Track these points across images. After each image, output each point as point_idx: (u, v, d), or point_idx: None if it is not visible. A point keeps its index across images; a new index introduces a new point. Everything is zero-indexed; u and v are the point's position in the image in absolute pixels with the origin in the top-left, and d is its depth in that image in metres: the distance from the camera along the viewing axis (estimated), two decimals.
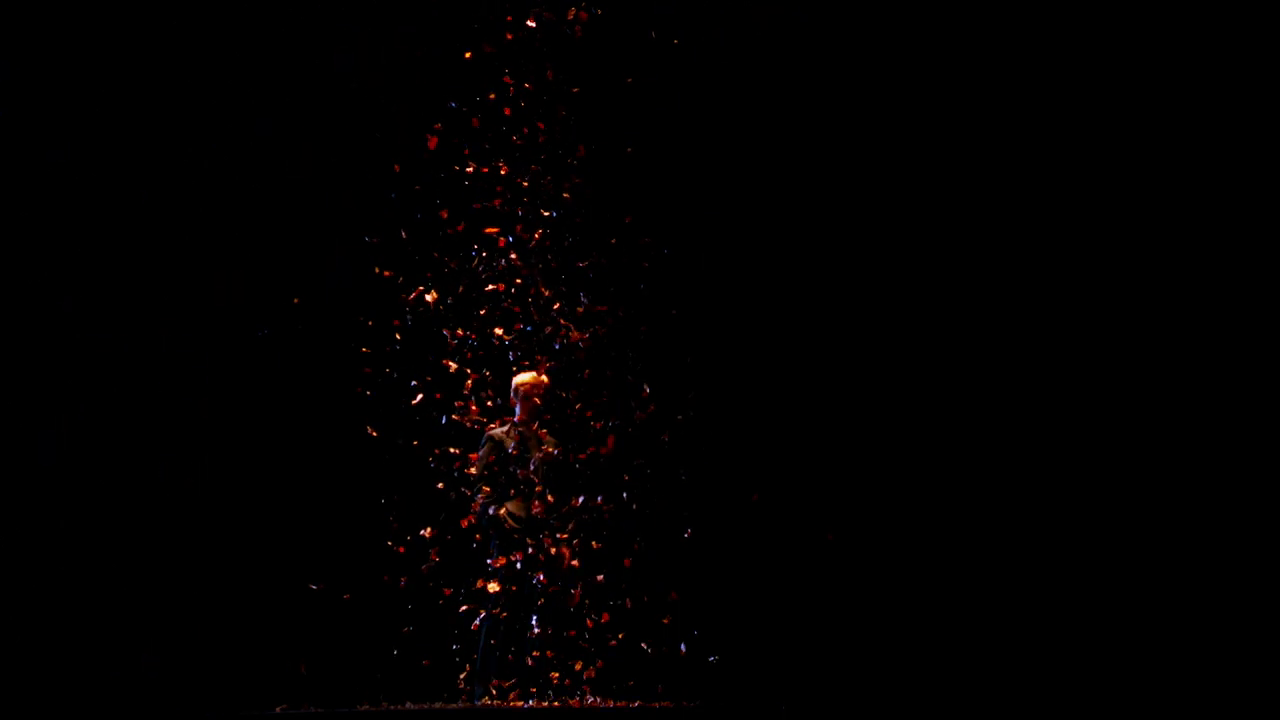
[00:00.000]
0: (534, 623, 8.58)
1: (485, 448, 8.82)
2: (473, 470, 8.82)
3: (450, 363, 8.97)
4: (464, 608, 8.71)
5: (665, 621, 8.84)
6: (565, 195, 9.02)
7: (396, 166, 9.27)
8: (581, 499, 8.75)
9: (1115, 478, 9.57)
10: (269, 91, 9.82)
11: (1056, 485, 9.64)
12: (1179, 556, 9.42)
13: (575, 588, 8.62)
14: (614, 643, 8.63)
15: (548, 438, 8.92)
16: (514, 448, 8.79)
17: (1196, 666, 9.22)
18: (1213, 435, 9.48)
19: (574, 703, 8.42)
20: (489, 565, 8.67)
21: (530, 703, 8.40)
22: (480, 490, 8.73)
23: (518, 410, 8.90)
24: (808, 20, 9.54)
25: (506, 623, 8.60)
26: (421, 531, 8.82)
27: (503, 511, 8.74)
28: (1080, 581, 9.49)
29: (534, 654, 8.57)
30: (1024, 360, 9.79)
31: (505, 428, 8.88)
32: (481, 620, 8.64)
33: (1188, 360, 9.58)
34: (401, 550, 8.87)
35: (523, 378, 8.91)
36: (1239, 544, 9.34)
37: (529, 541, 8.67)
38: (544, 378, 8.89)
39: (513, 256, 8.97)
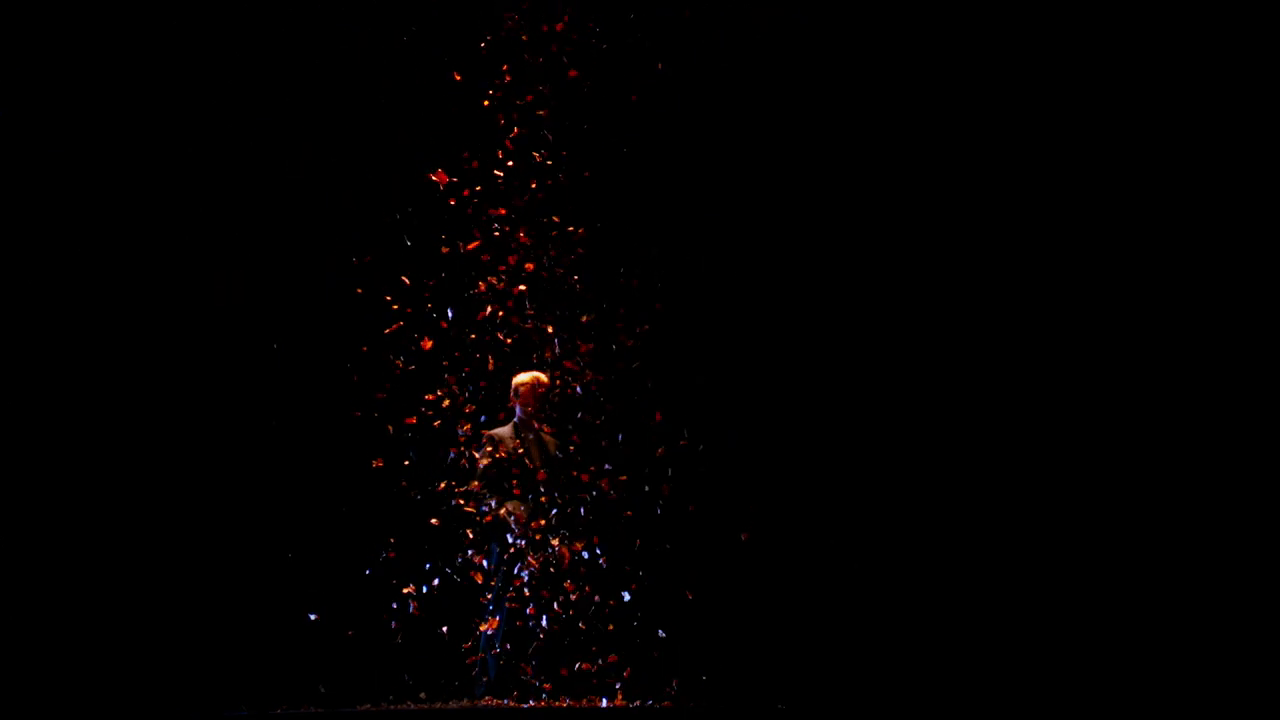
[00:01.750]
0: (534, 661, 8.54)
1: (486, 448, 8.79)
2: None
3: (445, 397, 8.95)
4: (464, 646, 8.67)
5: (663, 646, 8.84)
6: (555, 217, 9.03)
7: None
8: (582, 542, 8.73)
9: (1105, 496, 9.57)
10: (270, 103, 9.86)
11: (1051, 502, 9.65)
12: (1175, 572, 9.39)
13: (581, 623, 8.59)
14: (620, 684, 8.58)
15: (549, 437, 8.89)
16: (514, 447, 8.77)
17: (1196, 669, 9.17)
18: (1212, 437, 9.45)
19: (574, 703, 8.37)
20: (486, 598, 8.63)
21: (530, 702, 8.36)
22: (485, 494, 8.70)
23: (518, 410, 8.87)
24: (808, 23, 9.54)
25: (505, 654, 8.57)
26: (406, 589, 8.76)
27: (504, 512, 8.70)
28: (1070, 595, 9.50)
29: (544, 686, 8.53)
30: (1026, 388, 9.78)
31: (505, 427, 8.86)
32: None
33: (1187, 362, 9.56)
34: (408, 591, 8.82)
35: (522, 378, 8.88)
36: (1239, 545, 9.31)
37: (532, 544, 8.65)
38: (543, 377, 8.87)
39: (519, 289, 8.99)
